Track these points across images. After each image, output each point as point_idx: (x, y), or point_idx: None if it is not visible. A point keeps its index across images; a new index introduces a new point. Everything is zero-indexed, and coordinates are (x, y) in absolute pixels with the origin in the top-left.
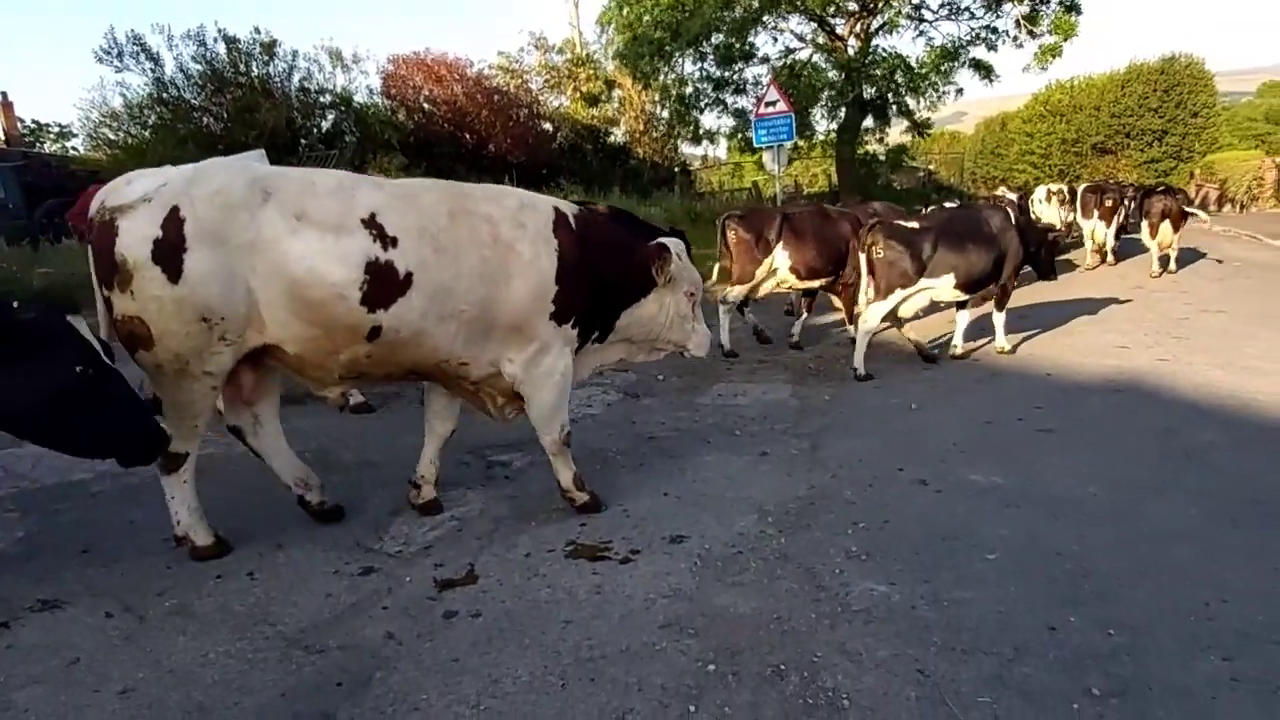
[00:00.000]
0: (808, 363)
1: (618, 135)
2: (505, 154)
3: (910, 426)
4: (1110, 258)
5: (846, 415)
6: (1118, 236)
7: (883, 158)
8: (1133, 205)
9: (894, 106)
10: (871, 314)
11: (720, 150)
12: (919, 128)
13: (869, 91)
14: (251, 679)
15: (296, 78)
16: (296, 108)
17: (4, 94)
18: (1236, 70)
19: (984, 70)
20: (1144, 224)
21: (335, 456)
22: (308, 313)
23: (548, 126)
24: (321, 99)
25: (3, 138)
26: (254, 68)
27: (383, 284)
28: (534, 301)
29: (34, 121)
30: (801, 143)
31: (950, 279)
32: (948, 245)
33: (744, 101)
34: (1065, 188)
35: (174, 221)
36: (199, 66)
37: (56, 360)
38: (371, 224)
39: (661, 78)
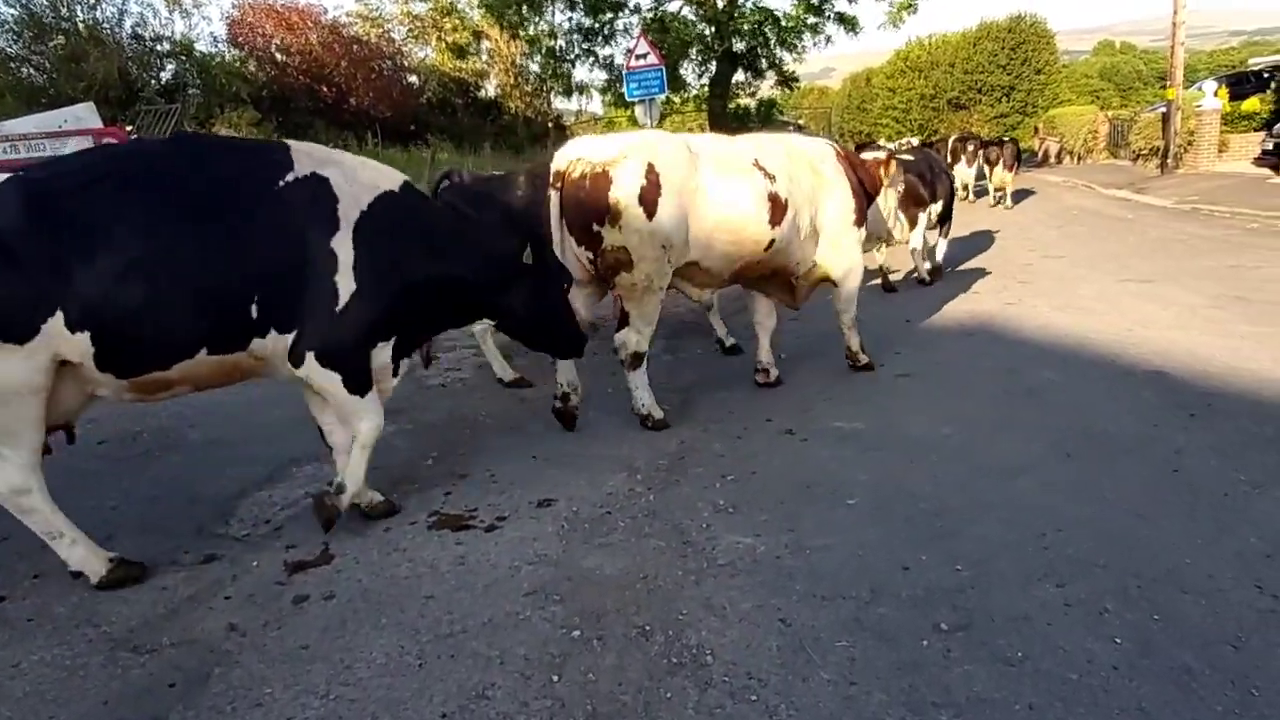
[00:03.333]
0: (682, 316)
1: (489, 89)
2: (369, 108)
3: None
4: (971, 196)
5: (717, 368)
6: (977, 179)
7: (754, 111)
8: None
9: (764, 60)
10: (915, 239)
11: (595, 104)
12: (787, 81)
13: (739, 45)
14: (70, 688)
15: (128, 23)
16: (130, 57)
17: None
18: (1076, 29)
19: (849, 23)
20: (986, 169)
21: (179, 435)
22: (729, 235)
23: (414, 80)
24: (159, 47)
25: None
26: (78, 12)
27: (775, 208)
28: (846, 213)
29: None
30: (674, 97)
31: (939, 205)
32: (936, 178)
33: (616, 51)
34: (915, 141)
35: (652, 175)
36: (14, 11)
37: (557, 279)
38: (758, 166)
39: (530, 28)
